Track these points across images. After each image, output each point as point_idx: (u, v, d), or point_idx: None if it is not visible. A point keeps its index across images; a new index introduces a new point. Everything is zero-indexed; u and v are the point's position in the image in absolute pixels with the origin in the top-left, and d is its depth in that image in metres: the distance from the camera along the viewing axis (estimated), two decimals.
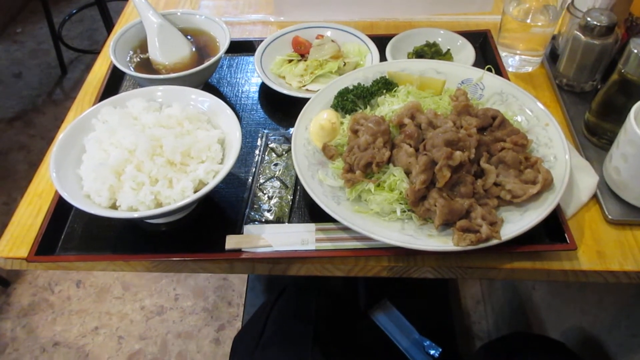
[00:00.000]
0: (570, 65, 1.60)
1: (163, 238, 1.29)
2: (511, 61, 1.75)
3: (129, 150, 1.20)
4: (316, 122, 1.41)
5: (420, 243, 1.16)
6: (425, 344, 2.31)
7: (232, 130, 1.29)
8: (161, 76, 1.48)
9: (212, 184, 1.17)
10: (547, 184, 1.22)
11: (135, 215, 1.12)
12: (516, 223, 1.19)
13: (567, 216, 1.31)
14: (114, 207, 1.17)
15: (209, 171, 1.21)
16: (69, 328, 3.24)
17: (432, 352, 2.31)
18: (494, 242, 1.15)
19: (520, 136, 1.32)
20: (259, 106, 1.64)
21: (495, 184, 1.25)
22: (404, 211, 1.24)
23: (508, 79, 1.64)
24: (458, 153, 1.19)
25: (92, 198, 1.16)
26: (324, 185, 1.30)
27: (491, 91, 1.49)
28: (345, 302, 2.37)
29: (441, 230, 1.21)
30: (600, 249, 1.26)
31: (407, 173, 1.27)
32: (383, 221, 1.23)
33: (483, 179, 1.25)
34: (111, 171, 1.17)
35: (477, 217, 1.18)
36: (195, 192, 1.19)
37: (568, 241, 1.21)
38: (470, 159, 1.23)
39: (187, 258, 1.22)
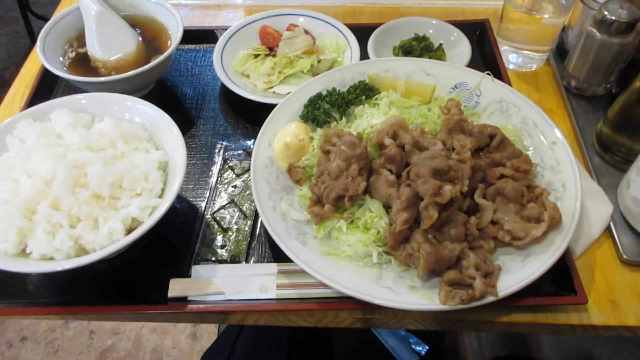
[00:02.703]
0: (581, 65, 1.37)
1: (92, 280, 1.07)
2: (512, 57, 1.52)
3: (45, 181, 0.97)
4: (281, 138, 1.18)
5: (400, 300, 0.95)
6: (412, 340, 2.18)
7: (177, 152, 1.06)
8: (97, 79, 1.24)
9: (147, 224, 0.96)
10: (555, 223, 1.02)
11: (47, 268, 0.90)
12: (516, 273, 0.98)
13: (576, 255, 1.11)
14: (24, 254, 0.95)
15: (144, 207, 0.99)
16: (37, 322, 3.06)
17: (418, 348, 2.18)
18: (489, 299, 0.94)
19: (523, 160, 1.10)
20: (218, 111, 1.40)
21: (493, 222, 1.04)
22: (382, 254, 1.03)
23: (508, 79, 1.41)
24: (448, 188, 0.97)
25: None
26: (287, 219, 1.08)
27: (489, 99, 1.27)
28: None
29: (426, 278, 1.00)
30: (613, 298, 1.06)
31: (387, 207, 1.06)
32: (357, 266, 1.02)
33: (478, 215, 1.04)
34: (21, 210, 0.94)
35: (470, 266, 0.97)
36: (127, 233, 0.97)
37: (577, 292, 1.02)
38: (462, 192, 1.01)
39: (114, 313, 1.02)
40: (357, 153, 1.06)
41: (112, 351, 2.99)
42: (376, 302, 0.94)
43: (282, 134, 1.20)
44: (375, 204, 1.05)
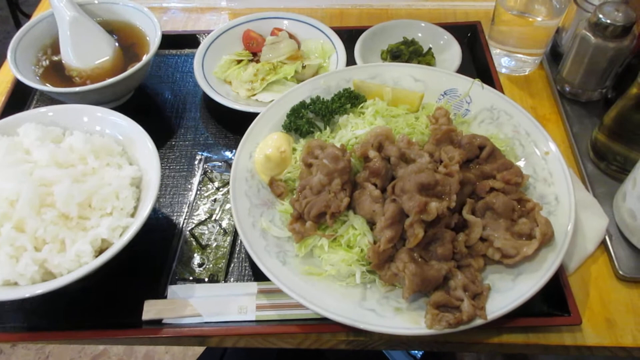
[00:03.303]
0: (575, 69, 1.32)
1: (63, 301, 1.02)
2: (505, 61, 1.46)
3: (9, 201, 0.92)
4: (262, 150, 1.13)
5: (384, 323, 0.90)
6: None
7: (151, 168, 1.01)
8: (71, 89, 1.19)
9: (117, 245, 0.91)
10: (547, 240, 0.97)
11: (9, 296, 0.85)
12: (506, 293, 0.93)
13: (569, 272, 1.07)
14: None
15: (115, 227, 0.94)
16: None
17: (414, 351, 2.16)
18: (478, 322, 0.90)
19: (514, 172, 1.05)
20: (199, 120, 1.35)
21: (482, 239, 0.99)
22: (366, 274, 0.98)
23: (500, 84, 1.36)
24: (434, 205, 0.92)
25: None
26: (267, 237, 1.03)
27: (479, 106, 1.22)
28: None
29: (412, 298, 0.95)
30: (609, 316, 1.02)
31: (371, 223, 1.01)
32: (339, 287, 0.98)
33: (466, 232, 0.99)
34: None
35: (457, 287, 0.93)
36: (98, 254, 0.92)
37: (570, 313, 0.97)
38: (450, 208, 0.96)
39: (86, 338, 0.97)
40: (339, 167, 1.01)
41: (104, 356, 2.93)
42: (360, 326, 0.90)
43: (264, 145, 1.15)
44: (358, 220, 1.00)
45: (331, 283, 0.98)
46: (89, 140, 1.02)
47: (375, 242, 0.97)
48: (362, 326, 0.89)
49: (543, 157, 1.11)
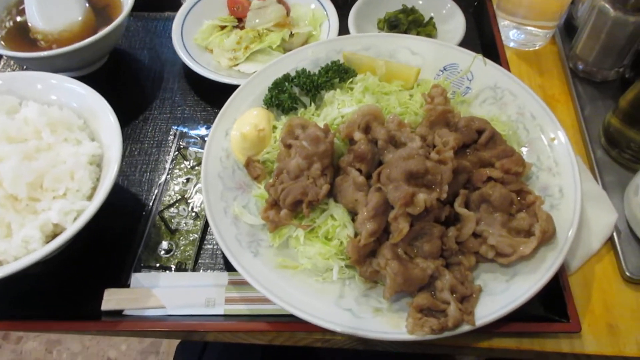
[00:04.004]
0: (590, 45, 1.20)
1: (17, 288, 0.94)
2: (513, 34, 1.34)
3: None
4: (240, 127, 1.03)
5: (361, 326, 0.82)
6: None
7: (113, 144, 0.91)
8: (35, 54, 1.08)
9: (70, 231, 0.82)
10: (547, 238, 0.87)
11: None
12: (499, 296, 0.84)
13: (570, 271, 0.97)
14: None
15: (68, 211, 0.85)
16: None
17: None
18: (465, 329, 0.81)
19: (515, 160, 0.94)
20: (177, 92, 1.25)
21: (475, 234, 0.89)
22: (345, 269, 0.89)
23: (506, 59, 1.24)
24: (422, 197, 0.82)
25: None
26: (240, 224, 0.94)
27: (482, 84, 1.10)
28: None
29: (394, 299, 0.86)
30: (612, 321, 0.93)
31: (353, 213, 0.91)
32: (315, 282, 0.89)
33: (457, 227, 0.89)
34: None
35: (444, 288, 0.83)
36: (47, 241, 0.83)
37: (570, 319, 0.88)
38: (441, 200, 0.86)
39: (39, 329, 0.89)
40: (320, 150, 0.91)
41: None
42: (335, 329, 0.81)
43: (241, 122, 1.04)
44: (339, 210, 0.91)
45: (306, 278, 0.89)
46: (45, 112, 0.93)
47: (356, 235, 0.88)
48: (336, 329, 0.81)
49: (549, 144, 1.00)
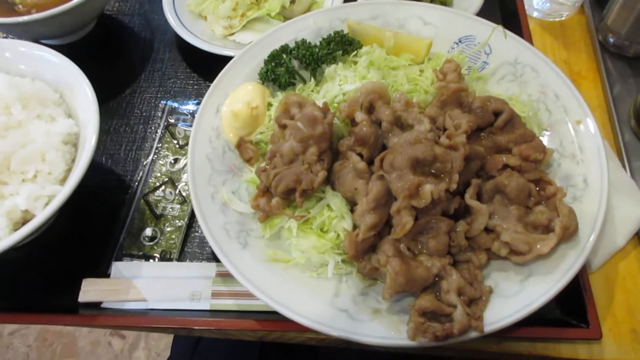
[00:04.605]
0: (624, 16, 1.09)
1: None
2: (537, 3, 1.22)
3: None
4: (232, 104, 0.94)
5: (357, 330, 0.74)
6: None
7: (90, 121, 0.83)
8: (12, 19, 0.99)
9: (38, 220, 0.75)
10: (568, 235, 0.78)
11: None
12: (511, 299, 0.76)
13: (592, 269, 0.88)
14: None
15: (38, 197, 0.77)
16: None
17: None
18: (472, 335, 0.73)
19: (534, 146, 0.85)
20: (168, 63, 1.16)
21: (487, 229, 0.80)
22: (342, 265, 0.81)
23: (529, 32, 1.13)
24: (428, 188, 0.73)
25: None
26: (228, 211, 0.86)
27: (501, 59, 1.00)
28: None
29: (395, 299, 0.78)
30: (636, 326, 0.85)
31: (353, 203, 0.83)
32: (309, 278, 0.81)
33: (468, 220, 0.80)
34: None
35: (451, 289, 0.75)
36: (15, 229, 0.76)
37: (589, 324, 0.79)
38: (450, 191, 0.77)
39: (11, 322, 0.82)
40: (316, 133, 0.82)
41: None
42: (329, 332, 0.74)
43: (233, 98, 0.95)
44: (336, 199, 0.82)
45: (299, 273, 0.81)
46: (16, 85, 0.84)
47: (354, 228, 0.79)
48: (330, 332, 0.73)
49: (574, 127, 0.90)
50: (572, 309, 0.82)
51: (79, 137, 0.85)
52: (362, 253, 0.78)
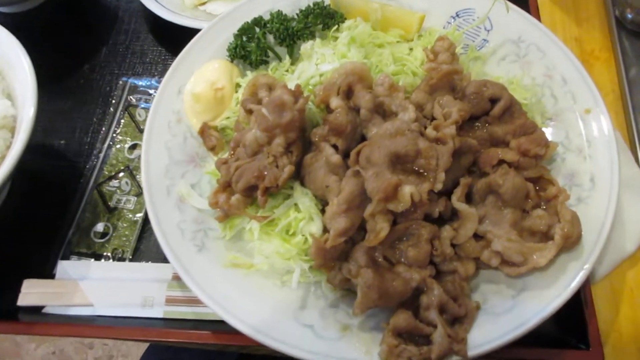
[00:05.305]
0: None
1: None
2: None
3: None
4: (196, 85, 0.83)
5: (322, 350, 0.66)
6: None
7: (26, 102, 0.73)
8: None
9: None
10: (570, 244, 0.68)
11: None
12: (502, 317, 0.67)
13: (596, 280, 0.78)
14: None
15: None
16: None
17: None
18: None
19: (535, 139, 0.74)
20: (131, 35, 1.05)
21: (476, 235, 0.70)
22: (308, 274, 0.71)
23: (536, 5, 1.02)
24: (408, 190, 0.63)
25: None
26: (186, 208, 0.76)
27: (502, 36, 0.89)
28: None
29: (369, 314, 0.69)
30: None
31: (324, 202, 0.72)
32: (273, 287, 0.72)
33: (454, 225, 0.70)
34: None
35: (431, 306, 0.65)
36: None
37: (589, 345, 0.69)
38: (435, 191, 0.66)
39: None
40: (283, 121, 0.71)
41: None
42: (290, 352, 0.64)
43: (199, 77, 0.85)
44: (306, 197, 0.72)
45: (262, 280, 0.72)
46: None
47: (326, 231, 0.69)
48: (291, 352, 0.64)
49: (582, 117, 0.80)
50: (570, 325, 0.73)
51: (16, 121, 0.75)
52: (332, 261, 0.69)
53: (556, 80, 0.84)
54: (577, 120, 0.80)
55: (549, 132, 0.80)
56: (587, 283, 0.75)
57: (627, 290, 0.79)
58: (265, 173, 0.70)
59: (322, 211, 0.72)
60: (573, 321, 0.73)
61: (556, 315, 0.71)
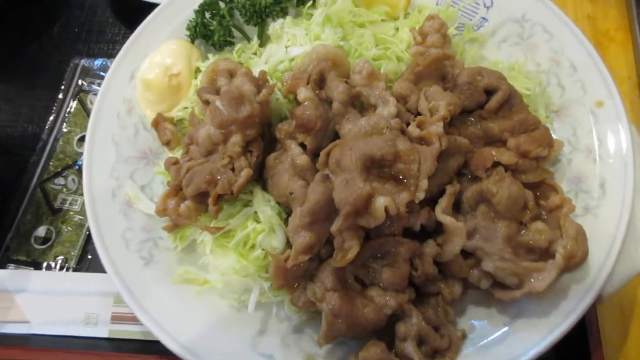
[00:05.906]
0: None
1: None
2: None
3: None
4: (150, 70, 0.72)
5: None
6: None
7: None
8: None
9: None
10: (573, 265, 0.58)
11: None
12: (491, 349, 0.59)
13: (602, 300, 0.68)
14: None
15: None
16: None
17: None
18: None
19: (537, 137, 0.65)
20: (87, 9, 0.94)
21: (465, 252, 0.59)
22: (270, 293, 0.62)
23: None
24: (382, 202, 0.53)
25: None
26: (133, 214, 0.67)
27: (504, 14, 0.79)
28: None
29: (336, 342, 0.59)
30: None
31: (289, 210, 0.62)
32: (229, 308, 0.63)
33: (439, 240, 0.60)
34: None
35: (409, 336, 0.57)
36: None
37: None
38: (416, 201, 0.56)
39: None
40: (241, 116, 0.61)
41: None
42: None
43: (152, 61, 0.74)
44: (267, 206, 0.62)
45: (216, 300, 0.64)
46: None
47: (289, 245, 0.59)
48: None
49: (592, 111, 0.69)
50: (571, 350, 0.64)
51: None
52: (295, 280, 0.59)
53: (564, 67, 0.73)
54: (586, 115, 0.70)
55: (553, 128, 0.70)
56: (593, 306, 0.65)
57: (638, 309, 0.70)
58: (219, 177, 0.60)
59: (287, 221, 0.62)
60: (574, 346, 0.64)
61: (555, 344, 0.62)
